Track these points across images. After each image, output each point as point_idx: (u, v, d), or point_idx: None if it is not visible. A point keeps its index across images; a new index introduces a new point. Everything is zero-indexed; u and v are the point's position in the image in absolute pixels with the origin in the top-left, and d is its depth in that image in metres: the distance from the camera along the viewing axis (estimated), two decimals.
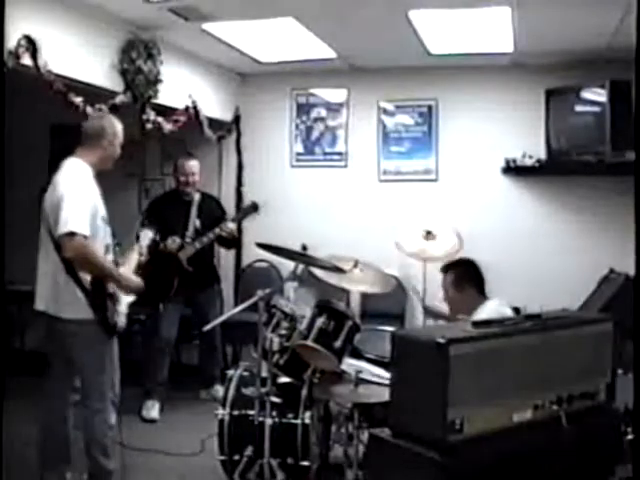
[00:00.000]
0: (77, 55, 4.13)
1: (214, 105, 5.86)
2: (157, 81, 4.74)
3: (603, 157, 5.02)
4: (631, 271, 2.88)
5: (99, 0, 4.13)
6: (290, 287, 4.11)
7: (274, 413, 3.57)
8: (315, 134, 6.21)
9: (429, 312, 4.56)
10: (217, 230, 5.02)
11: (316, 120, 6.21)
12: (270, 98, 6.22)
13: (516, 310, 4.17)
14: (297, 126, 6.24)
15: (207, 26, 4.68)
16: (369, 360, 3.83)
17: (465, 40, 4.96)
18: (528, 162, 5.53)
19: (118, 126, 3.54)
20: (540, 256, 5.52)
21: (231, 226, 5.07)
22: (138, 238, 4.55)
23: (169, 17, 4.40)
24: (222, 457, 3.70)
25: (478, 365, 2.22)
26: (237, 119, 6.27)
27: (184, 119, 5.25)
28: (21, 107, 4.66)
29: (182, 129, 5.25)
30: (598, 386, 2.59)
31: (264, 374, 3.50)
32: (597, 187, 5.39)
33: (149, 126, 4.82)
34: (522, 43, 4.93)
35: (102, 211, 3.38)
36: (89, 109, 4.13)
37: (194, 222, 5.17)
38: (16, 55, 3.57)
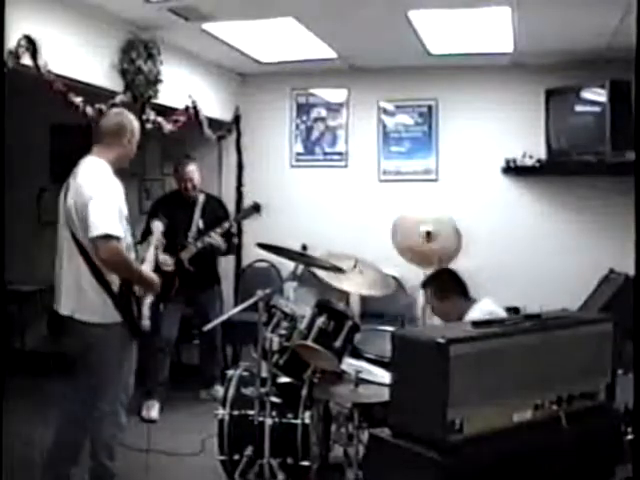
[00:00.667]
0: (77, 55, 4.12)
1: (214, 105, 5.86)
2: (157, 81, 4.74)
3: (603, 157, 5.02)
4: (631, 271, 2.88)
5: (99, 0, 4.13)
6: (290, 287, 4.11)
7: (274, 413, 3.57)
8: (315, 134, 6.21)
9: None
10: (206, 240, 5.01)
11: (316, 120, 6.21)
12: (270, 98, 6.22)
13: (516, 310, 4.19)
14: (297, 126, 6.24)
15: (207, 26, 4.68)
16: (369, 360, 3.83)
17: (465, 40, 4.96)
18: (528, 162, 5.53)
19: (136, 123, 3.51)
20: (540, 256, 5.52)
21: (216, 237, 5.03)
22: (149, 232, 4.58)
23: (169, 17, 4.40)
24: (222, 457, 3.69)
25: (478, 365, 2.22)
26: (237, 119, 6.27)
27: (184, 119, 5.24)
28: (21, 107, 4.66)
29: (182, 129, 5.24)
30: (598, 386, 2.59)
31: (264, 374, 3.49)
32: (597, 187, 5.39)
33: (149, 126, 4.81)
34: (522, 43, 4.93)
35: (125, 210, 3.34)
36: (89, 109, 4.13)
37: (197, 223, 5.19)
38: (16, 55, 3.57)
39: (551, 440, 2.36)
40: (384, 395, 2.92)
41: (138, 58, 4.54)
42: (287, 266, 4.28)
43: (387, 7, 4.23)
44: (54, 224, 3.42)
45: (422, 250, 4.55)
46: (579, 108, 5.29)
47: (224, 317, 3.98)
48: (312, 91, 6.21)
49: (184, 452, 4.31)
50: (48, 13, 3.88)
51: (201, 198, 5.29)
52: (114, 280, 3.26)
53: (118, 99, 4.44)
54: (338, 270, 3.63)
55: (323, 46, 5.17)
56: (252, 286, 4.25)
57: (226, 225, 5.08)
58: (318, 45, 5.13)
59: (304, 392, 3.69)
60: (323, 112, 6.19)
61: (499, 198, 5.74)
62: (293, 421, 3.62)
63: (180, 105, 5.26)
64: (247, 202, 5.88)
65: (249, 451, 3.55)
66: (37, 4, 3.80)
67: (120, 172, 3.44)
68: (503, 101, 5.65)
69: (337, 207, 6.08)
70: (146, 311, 3.40)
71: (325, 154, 6.19)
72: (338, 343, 3.51)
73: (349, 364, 3.65)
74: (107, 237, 3.11)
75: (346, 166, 6.14)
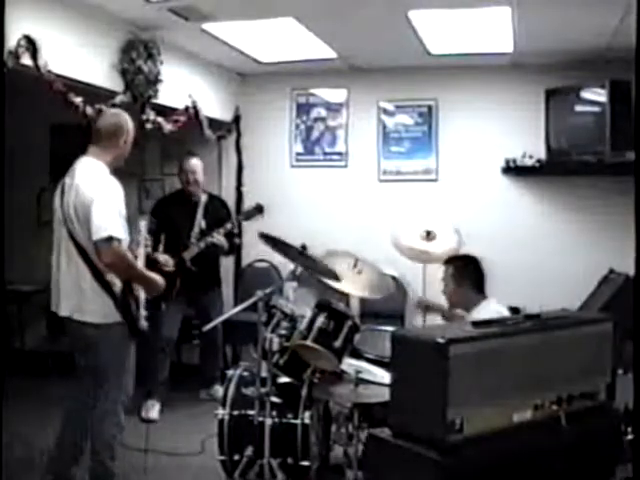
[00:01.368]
0: (77, 55, 4.12)
1: (214, 105, 5.86)
2: (157, 81, 4.74)
3: (603, 157, 5.02)
4: (631, 271, 2.87)
5: (99, 0, 4.13)
6: (290, 287, 4.11)
7: (274, 413, 3.57)
8: (315, 134, 6.21)
9: (421, 305, 4.57)
10: (209, 239, 5.03)
11: (316, 120, 6.21)
12: (270, 98, 6.22)
13: (516, 310, 4.18)
14: (297, 126, 6.24)
15: (207, 26, 4.68)
16: (369, 360, 3.83)
17: (465, 40, 4.96)
18: (528, 162, 5.53)
19: (131, 124, 3.52)
20: (540, 256, 5.52)
21: (219, 237, 5.05)
22: (150, 231, 4.56)
23: (169, 17, 4.40)
24: (222, 457, 3.70)
25: (478, 365, 2.22)
26: (237, 119, 6.27)
27: (184, 119, 5.24)
28: (21, 107, 4.66)
29: (182, 129, 5.24)
30: (598, 386, 2.59)
31: (264, 374, 3.50)
32: (597, 187, 5.39)
33: (149, 126, 4.82)
34: (522, 43, 4.93)
35: (124, 211, 3.35)
36: (89, 109, 4.13)
37: (200, 223, 5.20)
38: (16, 55, 3.57)
39: (551, 440, 2.36)
40: (384, 395, 2.92)
41: (138, 58, 4.54)
42: (287, 266, 4.27)
43: (387, 7, 4.23)
44: None
45: (422, 250, 4.55)
46: (579, 108, 5.29)
47: (224, 317, 3.98)
48: (312, 91, 6.21)
49: (184, 452, 4.31)
50: (48, 13, 3.88)
51: (204, 198, 5.31)
52: (114, 280, 3.26)
53: (118, 99, 4.44)
54: (334, 277, 3.62)
55: (323, 46, 5.17)
56: (252, 286, 4.24)
57: (228, 226, 5.09)
58: (318, 45, 5.13)
59: (304, 392, 3.69)
60: (323, 112, 6.19)
61: (499, 198, 5.74)
62: (293, 421, 3.62)
63: (180, 105, 5.25)
64: (247, 202, 5.89)
65: (249, 451, 3.55)
66: (37, 4, 3.80)
67: (120, 172, 3.45)
68: (503, 101, 5.64)
69: (337, 207, 6.08)
70: (143, 311, 3.41)
71: (325, 154, 6.19)
72: (338, 343, 3.51)
73: (349, 364, 3.65)
74: (110, 239, 3.12)
75: (346, 166, 6.13)
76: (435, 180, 5.90)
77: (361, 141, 6.08)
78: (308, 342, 3.51)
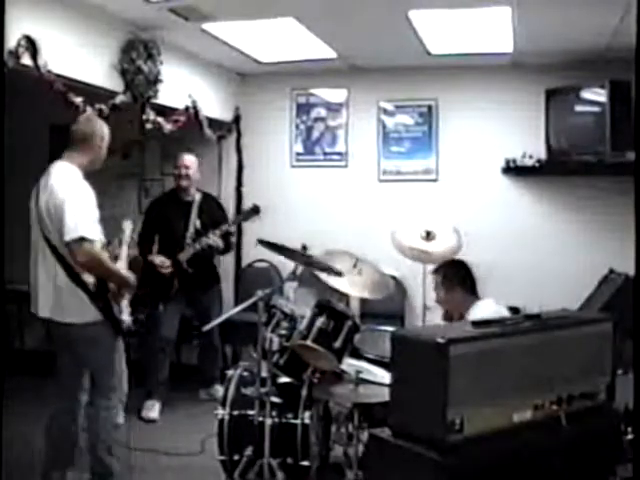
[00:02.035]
0: (77, 55, 4.13)
1: (214, 105, 5.86)
2: (157, 81, 4.74)
3: (603, 157, 5.02)
4: (631, 271, 2.87)
5: (99, 0, 4.13)
6: (290, 287, 4.11)
7: (274, 413, 3.57)
8: (315, 134, 6.21)
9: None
10: (204, 240, 5.02)
11: (316, 120, 6.21)
12: (270, 98, 6.22)
13: (516, 310, 4.18)
14: (297, 126, 6.24)
15: (207, 26, 4.68)
16: (369, 360, 3.83)
17: (465, 40, 4.96)
18: (528, 162, 5.53)
19: (105, 128, 3.56)
20: (540, 256, 5.52)
21: (215, 238, 5.04)
22: (145, 231, 4.55)
23: (169, 17, 4.40)
24: (222, 457, 3.70)
25: (478, 365, 2.22)
26: (237, 119, 6.27)
27: (184, 119, 5.24)
28: (21, 107, 4.66)
29: (182, 129, 5.24)
30: (598, 386, 2.58)
31: (264, 374, 3.49)
32: (597, 187, 5.39)
33: (149, 126, 4.82)
34: (522, 43, 4.93)
35: (97, 212, 3.39)
36: (89, 109, 4.14)
37: (194, 223, 5.18)
38: (16, 55, 3.57)
39: (551, 440, 2.36)
40: (384, 395, 2.92)
41: (138, 58, 4.54)
42: (287, 266, 4.27)
43: (387, 7, 4.23)
44: None
45: (422, 250, 4.55)
46: (579, 108, 5.29)
47: (224, 317, 3.98)
48: (312, 91, 6.21)
49: (184, 452, 4.31)
50: (48, 13, 3.88)
51: (197, 197, 5.27)
52: (90, 279, 3.29)
53: (118, 99, 4.45)
54: (336, 274, 3.63)
55: (323, 46, 5.17)
56: (252, 286, 4.24)
57: (224, 227, 5.08)
58: (318, 45, 5.13)
59: (304, 392, 3.69)
60: (323, 112, 6.19)
61: (499, 198, 5.74)
62: (293, 421, 3.62)
63: (180, 105, 5.26)
64: (247, 202, 5.88)
65: (249, 451, 3.55)
66: (37, 4, 3.80)
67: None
68: (503, 101, 5.64)
69: (337, 207, 6.08)
70: (124, 307, 3.44)
71: (325, 154, 6.19)
72: (338, 343, 3.51)
73: (349, 364, 3.65)
74: (82, 240, 3.17)
75: (346, 166, 6.13)
76: (435, 180, 5.90)
77: (361, 141, 6.08)
78: (308, 342, 3.51)
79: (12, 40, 3.55)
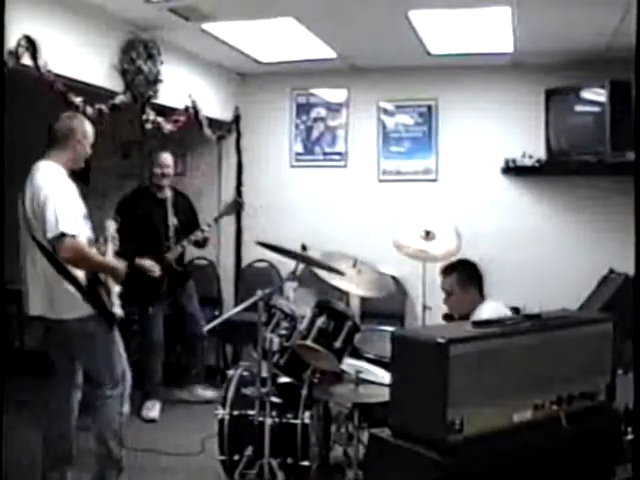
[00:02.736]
0: (77, 55, 4.13)
1: (214, 105, 5.86)
2: (157, 81, 4.74)
3: (603, 157, 5.02)
4: (631, 271, 2.87)
5: (99, 0, 4.13)
6: (290, 287, 4.11)
7: (274, 413, 3.57)
8: (315, 134, 6.21)
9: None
10: (192, 237, 5.05)
11: (316, 120, 6.21)
12: (270, 98, 6.22)
13: (516, 310, 4.18)
14: (297, 126, 6.24)
15: (207, 26, 4.68)
16: (369, 360, 3.83)
17: (465, 40, 4.96)
18: (528, 162, 5.53)
19: (87, 126, 3.57)
20: (540, 256, 5.52)
21: (202, 234, 5.09)
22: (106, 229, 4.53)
23: (169, 17, 4.40)
24: (222, 457, 3.70)
25: (478, 365, 2.22)
26: (237, 119, 6.27)
27: (184, 119, 5.25)
28: (21, 107, 4.65)
29: (182, 129, 5.25)
30: (598, 386, 2.58)
31: (264, 374, 3.49)
32: (597, 187, 5.39)
33: (149, 126, 4.82)
34: (522, 43, 4.93)
35: (82, 209, 3.43)
36: (89, 109, 4.14)
37: (172, 221, 5.15)
38: (16, 55, 3.58)
39: (551, 440, 2.36)
40: (384, 395, 2.92)
41: (138, 58, 4.54)
42: (287, 266, 4.27)
43: (387, 7, 4.23)
44: None
45: (422, 250, 4.55)
46: (579, 108, 5.28)
47: (224, 317, 3.97)
48: (312, 91, 6.20)
49: (184, 452, 4.31)
50: (48, 13, 3.88)
51: (169, 194, 5.23)
52: (80, 274, 3.31)
53: (118, 99, 4.45)
54: (337, 272, 3.63)
55: (323, 46, 5.17)
56: (252, 286, 4.24)
57: (206, 228, 5.08)
58: (318, 45, 5.13)
59: (304, 392, 3.69)
60: (323, 112, 6.19)
61: (499, 198, 5.74)
62: (293, 421, 3.63)
63: (180, 105, 5.26)
64: (247, 202, 5.88)
65: (249, 451, 3.55)
66: (37, 4, 3.80)
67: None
68: (503, 101, 5.64)
69: (337, 207, 6.08)
70: (115, 300, 3.46)
71: (325, 154, 6.19)
72: (338, 343, 3.51)
73: (349, 364, 3.65)
74: (63, 236, 3.19)
75: (346, 166, 6.13)
76: (435, 180, 5.90)
77: (361, 141, 6.08)
78: (308, 342, 3.51)
79: (12, 40, 3.55)
